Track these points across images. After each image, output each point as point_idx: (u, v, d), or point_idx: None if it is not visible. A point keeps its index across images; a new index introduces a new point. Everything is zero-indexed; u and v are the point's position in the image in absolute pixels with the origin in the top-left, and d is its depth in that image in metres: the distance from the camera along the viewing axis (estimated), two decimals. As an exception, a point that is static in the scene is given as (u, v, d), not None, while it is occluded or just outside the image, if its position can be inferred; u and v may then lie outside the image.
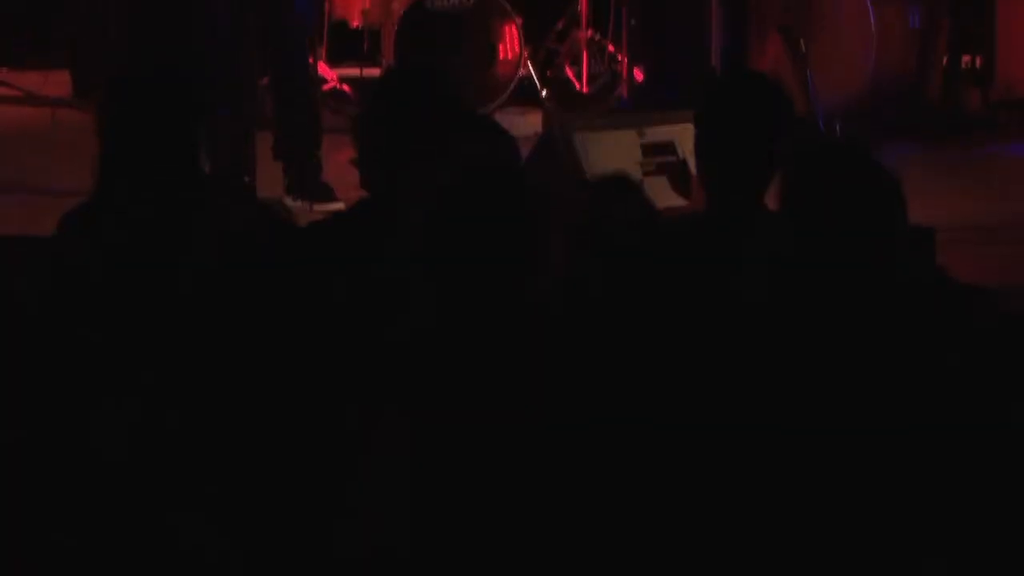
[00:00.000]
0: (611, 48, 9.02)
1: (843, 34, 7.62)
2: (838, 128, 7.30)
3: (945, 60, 8.31)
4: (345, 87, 8.86)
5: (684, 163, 5.52)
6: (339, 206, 6.36)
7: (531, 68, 8.66)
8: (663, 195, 5.58)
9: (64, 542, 3.17)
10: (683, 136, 5.40)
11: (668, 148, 5.61)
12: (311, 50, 8.53)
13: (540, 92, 8.69)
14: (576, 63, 8.99)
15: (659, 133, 5.65)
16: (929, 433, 2.88)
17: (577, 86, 8.97)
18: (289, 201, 6.52)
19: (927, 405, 2.90)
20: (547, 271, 2.94)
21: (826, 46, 7.57)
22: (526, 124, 7.93)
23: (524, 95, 8.65)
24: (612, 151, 5.59)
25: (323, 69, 8.90)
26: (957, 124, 8.07)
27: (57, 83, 9.07)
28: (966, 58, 8.52)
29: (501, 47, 8.50)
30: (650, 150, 5.63)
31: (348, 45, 9.26)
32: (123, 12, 9.16)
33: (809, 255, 3.01)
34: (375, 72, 8.68)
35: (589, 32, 8.96)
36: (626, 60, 8.17)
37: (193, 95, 3.63)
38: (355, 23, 9.00)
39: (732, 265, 3.35)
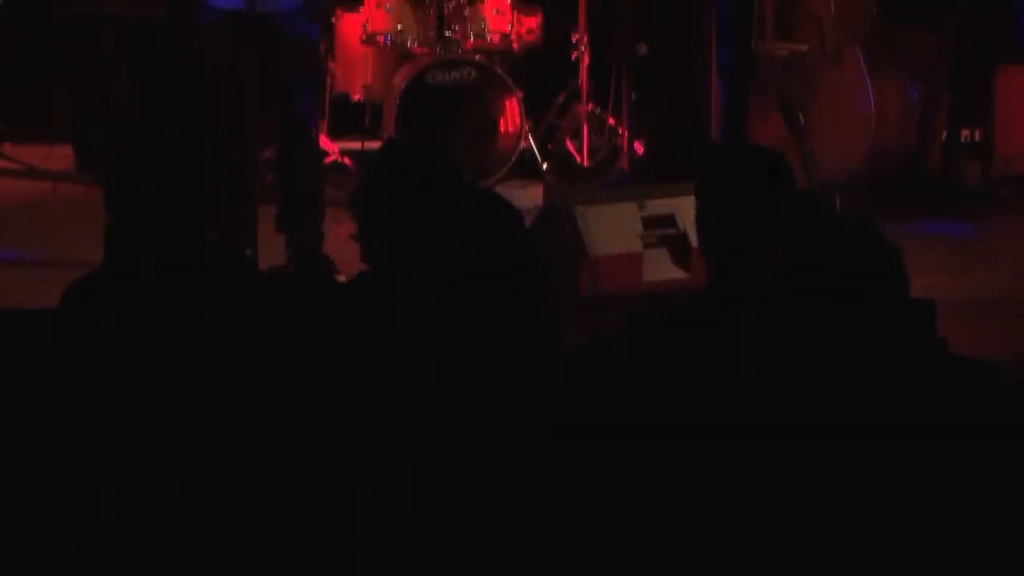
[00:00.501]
0: (612, 122, 9.06)
1: (843, 108, 7.65)
2: (838, 201, 7.31)
3: (944, 134, 8.34)
4: (346, 160, 8.89)
5: (685, 236, 5.53)
6: (340, 279, 6.38)
7: (532, 141, 8.70)
8: (664, 267, 5.60)
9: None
10: (684, 209, 5.41)
11: (669, 221, 5.63)
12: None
13: (541, 165, 8.72)
14: (577, 137, 9.03)
15: (660, 206, 5.66)
16: (931, 504, 2.88)
17: (578, 159, 9.00)
18: (291, 273, 6.54)
19: (928, 477, 2.89)
20: (548, 344, 2.94)
21: (826, 119, 7.59)
22: (527, 197, 7.96)
23: (525, 168, 8.68)
24: (613, 224, 5.60)
25: (324, 142, 8.93)
26: (957, 198, 8.08)
27: (59, 157, 9.10)
28: (965, 132, 8.54)
29: (502, 121, 8.54)
30: (651, 223, 5.65)
31: (350, 119, 9.30)
32: (127, 88, 9.21)
33: (810, 327, 3.00)
34: (376, 146, 8.71)
35: (590, 106, 9.00)
36: (627, 133, 8.20)
37: (197, 168, 3.65)
38: (357, 97, 9.05)
39: (734, 340, 3.35)
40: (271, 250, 6.47)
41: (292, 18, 6.49)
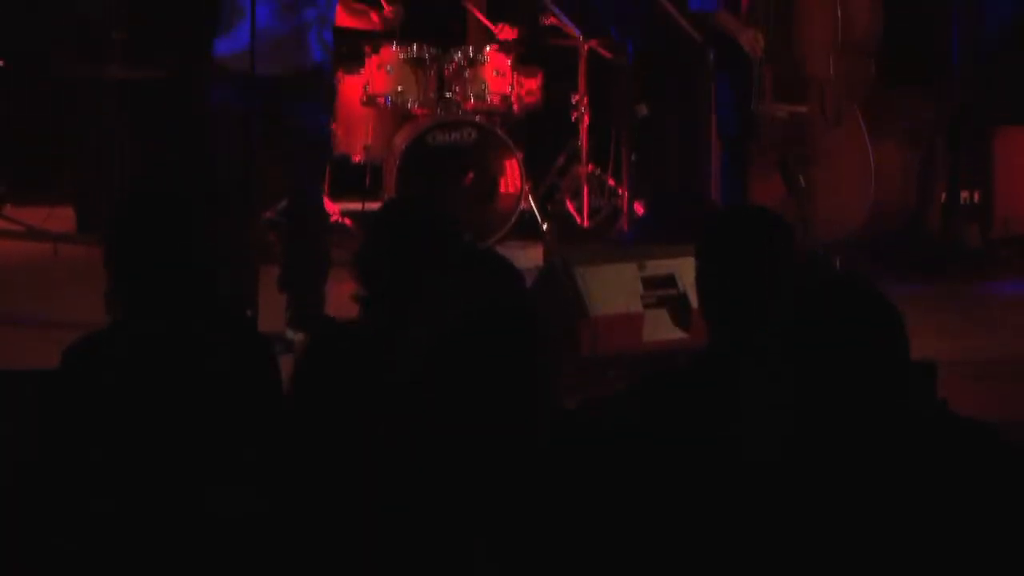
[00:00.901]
0: (611, 182, 9.09)
1: (843, 169, 7.67)
2: (839, 262, 7.32)
3: (944, 196, 8.35)
4: (347, 221, 8.91)
5: (685, 296, 5.53)
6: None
7: (532, 202, 8.72)
8: (664, 328, 5.60)
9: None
10: (684, 269, 5.42)
11: (669, 281, 5.63)
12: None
13: (541, 226, 8.74)
14: (577, 197, 9.05)
15: (660, 266, 5.67)
16: (931, 565, 2.87)
17: (578, 220, 9.02)
18: (290, 333, 6.53)
19: (929, 538, 2.88)
20: (548, 403, 2.94)
21: (826, 181, 7.60)
22: (527, 257, 7.97)
23: (525, 228, 8.70)
24: (613, 284, 5.60)
25: (325, 203, 8.95)
26: (956, 259, 8.09)
27: (60, 218, 9.12)
28: (964, 193, 8.56)
29: (502, 181, 8.56)
30: (651, 283, 5.65)
31: (350, 180, 9.33)
32: (129, 149, 9.24)
33: (810, 387, 3.00)
34: (377, 207, 8.73)
35: (590, 167, 9.03)
36: (626, 194, 8.22)
37: (198, 229, 3.65)
38: (357, 158, 9.08)
39: (734, 400, 3.35)
40: (272, 310, 6.47)
41: (301, 79, 6.51)
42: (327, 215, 7.73)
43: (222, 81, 6.52)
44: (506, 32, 9.02)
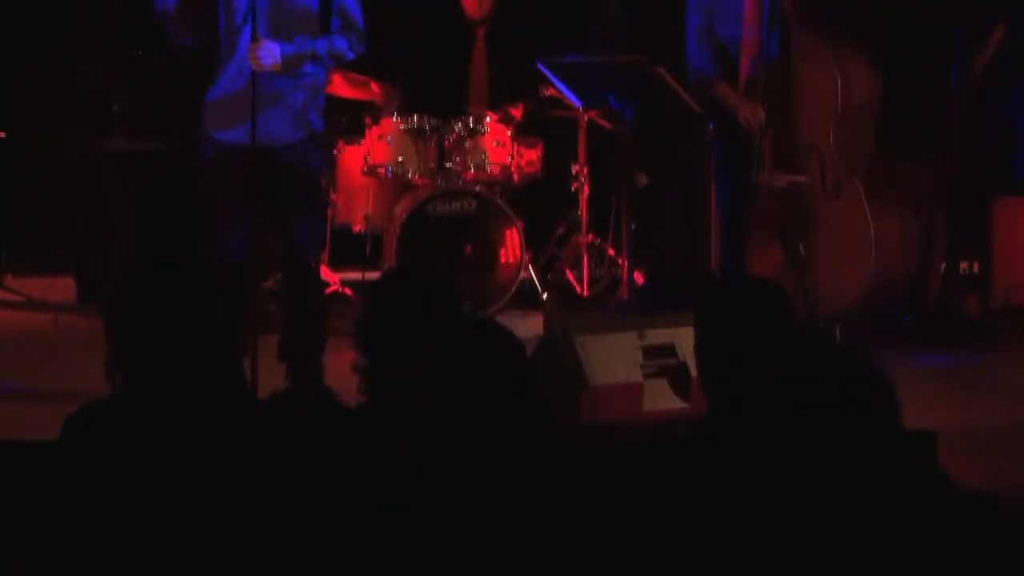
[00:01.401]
0: (611, 252, 9.10)
1: (843, 239, 7.67)
2: (839, 332, 7.31)
3: (943, 266, 8.36)
4: (347, 291, 8.92)
5: (685, 365, 5.53)
6: (339, 409, 6.37)
7: (532, 272, 8.73)
8: (664, 397, 5.59)
9: None
10: (684, 339, 5.41)
11: (669, 351, 5.63)
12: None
13: (541, 295, 8.75)
14: (577, 267, 9.06)
15: (660, 336, 5.66)
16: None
17: (578, 289, 9.03)
18: (290, 403, 6.52)
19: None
20: (548, 473, 2.93)
21: (826, 251, 7.61)
22: (527, 327, 7.97)
23: (525, 298, 8.71)
24: (613, 353, 5.60)
25: (325, 273, 8.97)
26: (957, 329, 8.09)
27: (61, 289, 9.14)
28: (964, 264, 8.57)
29: (502, 251, 8.58)
30: (651, 352, 5.65)
31: (351, 249, 9.34)
32: (129, 221, 9.27)
33: (809, 458, 3.00)
34: (377, 276, 8.74)
35: (590, 237, 9.05)
36: (626, 264, 8.24)
37: (197, 299, 3.65)
38: (358, 228, 9.10)
39: (734, 470, 3.34)
40: (271, 380, 6.47)
41: (296, 149, 6.55)
42: (324, 285, 7.75)
43: (215, 151, 6.54)
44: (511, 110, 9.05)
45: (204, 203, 6.58)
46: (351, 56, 6.72)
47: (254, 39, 6.34)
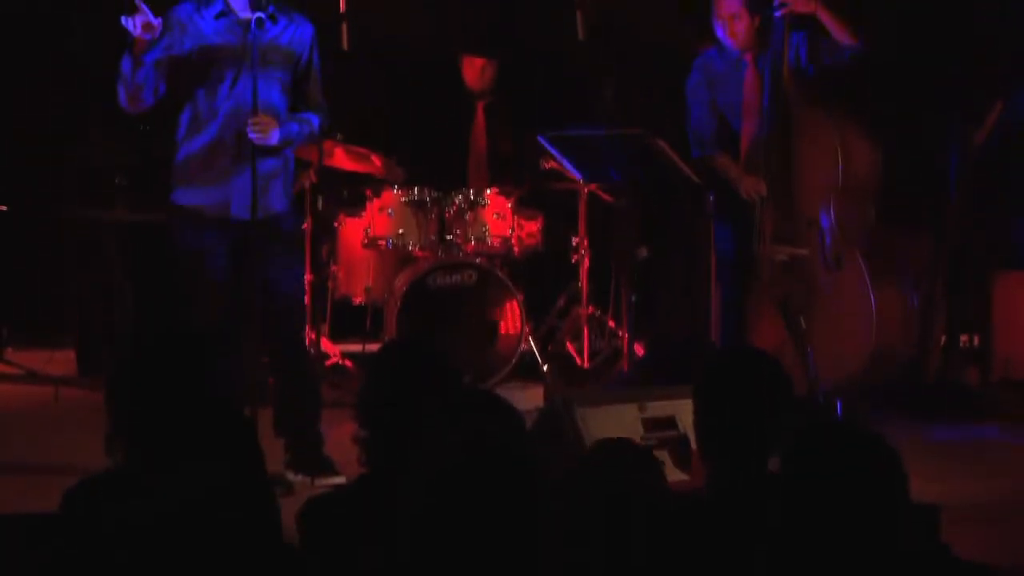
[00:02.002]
0: (612, 324, 9.11)
1: (843, 312, 7.67)
2: (838, 405, 7.30)
3: (944, 339, 8.36)
4: (347, 363, 8.91)
5: (685, 438, 5.52)
6: (340, 479, 6.36)
7: (532, 343, 8.73)
8: (665, 470, 5.57)
9: None
10: (684, 411, 5.39)
11: (669, 423, 5.61)
12: (314, 327, 8.63)
13: (542, 367, 8.74)
14: (577, 339, 9.07)
15: (660, 408, 5.65)
16: None
17: (578, 361, 9.03)
18: (290, 476, 6.51)
19: None
20: (548, 545, 2.92)
21: (826, 324, 7.61)
22: (528, 399, 7.97)
23: (526, 370, 8.71)
24: (613, 426, 5.58)
25: (326, 345, 8.97)
26: (957, 402, 8.08)
27: (61, 362, 9.14)
28: (964, 337, 8.58)
29: (503, 323, 8.58)
30: (651, 425, 5.63)
31: (351, 321, 9.35)
32: (130, 292, 9.28)
33: (811, 531, 2.99)
34: (377, 348, 8.74)
35: (590, 309, 9.06)
36: (627, 336, 8.24)
37: (197, 372, 3.65)
38: (358, 300, 9.11)
39: (734, 543, 3.33)
40: (270, 454, 6.44)
41: (278, 220, 6.53)
42: (312, 354, 7.74)
43: (194, 226, 6.52)
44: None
45: (186, 278, 6.55)
46: (318, 134, 6.77)
47: (254, 113, 6.36)
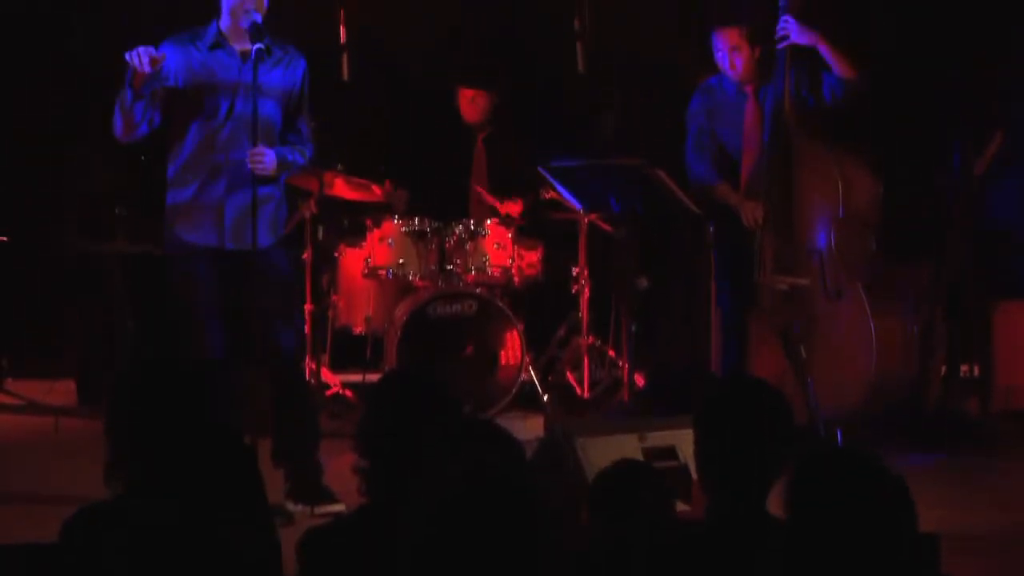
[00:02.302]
0: (612, 354, 9.11)
1: (844, 342, 7.67)
2: (840, 434, 7.30)
3: (944, 369, 8.36)
4: (347, 393, 8.91)
5: (686, 468, 5.51)
6: (340, 508, 6.35)
7: (533, 373, 8.72)
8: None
9: None
10: (684, 441, 5.39)
11: (670, 453, 5.61)
12: (314, 357, 8.63)
13: (542, 397, 8.74)
14: (577, 369, 9.07)
15: (660, 438, 5.65)
16: None
17: (579, 391, 9.03)
18: (290, 506, 6.50)
19: None
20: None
21: (827, 353, 7.61)
22: (528, 429, 7.97)
23: (526, 400, 8.70)
24: (614, 456, 5.55)
25: (326, 375, 8.97)
26: (957, 432, 8.07)
27: (62, 392, 9.13)
28: (965, 367, 8.58)
29: (503, 353, 8.58)
30: (651, 455, 5.62)
31: (352, 351, 9.35)
32: (130, 321, 9.28)
33: (813, 562, 2.98)
34: (378, 378, 8.73)
35: (590, 339, 9.06)
36: (627, 366, 8.24)
37: (197, 401, 3.65)
38: (359, 330, 9.11)
39: (735, 573, 3.33)
40: (270, 483, 6.44)
41: (268, 254, 6.52)
42: (310, 384, 7.73)
43: (188, 256, 6.52)
44: (509, 206, 9.10)
45: (180, 309, 6.55)
46: (304, 165, 6.77)
47: (253, 144, 6.36)
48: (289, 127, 6.62)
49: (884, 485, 3.01)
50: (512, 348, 8.59)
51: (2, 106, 10.03)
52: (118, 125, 6.37)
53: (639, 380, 8.63)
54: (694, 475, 3.91)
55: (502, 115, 9.45)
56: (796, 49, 7.70)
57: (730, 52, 7.83)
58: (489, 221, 8.86)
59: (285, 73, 6.57)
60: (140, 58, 6.08)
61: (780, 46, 7.69)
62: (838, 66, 7.64)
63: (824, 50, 7.65)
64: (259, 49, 6.34)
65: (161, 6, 8.63)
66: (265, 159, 6.37)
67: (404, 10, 10.02)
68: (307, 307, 8.82)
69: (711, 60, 7.96)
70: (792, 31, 7.66)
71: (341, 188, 9.04)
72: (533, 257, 9.02)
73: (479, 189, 9.29)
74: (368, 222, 8.90)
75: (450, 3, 10.13)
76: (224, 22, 6.49)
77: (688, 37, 8.90)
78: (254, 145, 6.36)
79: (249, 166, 6.34)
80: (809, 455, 3.16)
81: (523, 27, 10.11)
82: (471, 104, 9.37)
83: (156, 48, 6.22)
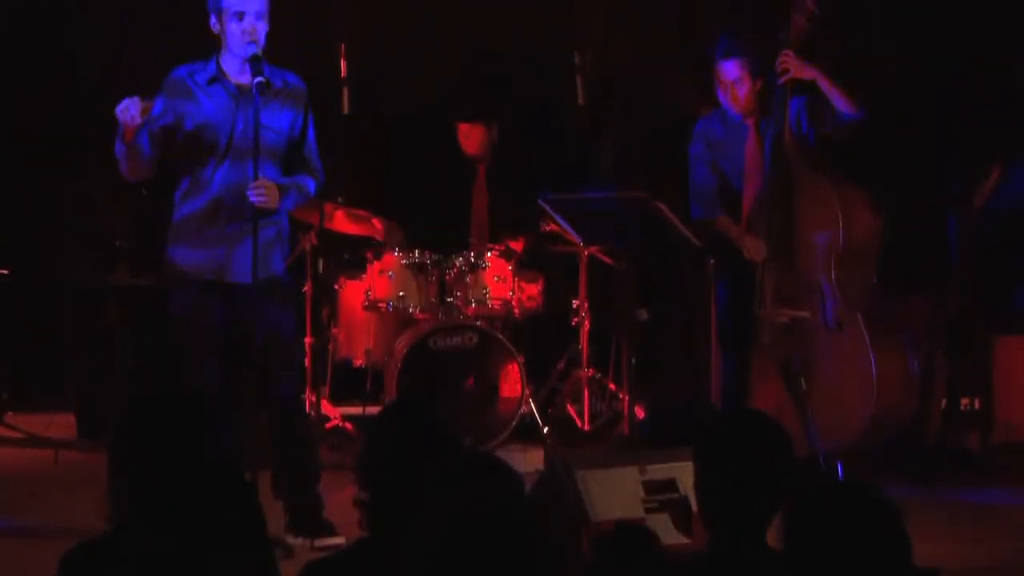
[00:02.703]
0: (612, 386, 9.10)
1: (844, 375, 7.66)
2: (839, 467, 7.29)
3: (944, 402, 8.35)
4: (347, 425, 8.90)
5: (686, 500, 5.50)
6: (339, 541, 6.34)
7: (533, 406, 8.72)
8: (665, 533, 5.55)
9: None
10: (685, 473, 5.38)
11: (670, 486, 5.60)
12: (314, 389, 8.63)
13: (542, 429, 8.73)
14: (578, 401, 9.06)
15: (661, 471, 5.63)
16: None
17: (579, 424, 9.02)
18: (290, 539, 6.49)
19: None
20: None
21: (828, 386, 7.60)
22: (528, 461, 7.95)
23: (526, 432, 8.69)
24: (614, 489, 5.57)
25: (326, 407, 8.96)
26: (957, 465, 8.06)
27: (62, 426, 9.13)
28: (965, 400, 8.57)
29: (503, 385, 8.58)
30: (652, 487, 5.62)
31: (352, 384, 9.34)
32: (131, 354, 9.28)
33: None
34: (378, 411, 8.73)
35: (590, 371, 9.05)
36: (627, 398, 8.24)
37: (198, 435, 3.65)
38: (359, 362, 9.11)
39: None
40: (270, 516, 6.42)
41: (268, 286, 6.50)
42: (320, 417, 7.73)
43: (189, 287, 6.52)
44: (511, 244, 9.10)
45: (176, 332, 6.54)
46: (314, 194, 6.78)
47: (255, 177, 6.36)
48: (294, 157, 6.62)
49: (881, 517, 3.01)
50: (512, 381, 8.59)
51: (3, 140, 10.05)
52: (122, 167, 6.40)
53: (639, 413, 8.63)
54: (695, 508, 3.90)
55: (503, 147, 9.46)
56: (796, 83, 7.72)
57: (731, 85, 7.84)
58: (489, 254, 8.87)
59: (285, 104, 6.57)
60: (128, 112, 6.09)
61: (780, 80, 7.71)
62: (838, 101, 7.65)
63: (824, 85, 7.66)
64: (259, 83, 6.34)
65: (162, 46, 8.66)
66: (266, 192, 6.36)
67: (404, 43, 10.05)
68: (307, 340, 8.82)
69: (710, 93, 7.97)
70: (792, 65, 7.68)
71: (341, 221, 9.04)
72: (533, 289, 9.02)
73: (477, 234, 9.30)
74: (368, 255, 8.90)
75: (450, 36, 10.15)
76: (223, 56, 6.50)
77: (687, 70, 8.92)
78: (255, 178, 6.35)
79: (252, 199, 6.34)
80: (806, 488, 3.16)
81: (523, 60, 10.12)
82: (467, 138, 9.39)
83: (152, 96, 6.23)
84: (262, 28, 6.43)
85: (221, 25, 6.45)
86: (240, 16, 6.40)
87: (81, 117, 9.36)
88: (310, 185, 6.64)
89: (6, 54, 9.97)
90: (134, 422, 3.62)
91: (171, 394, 3.72)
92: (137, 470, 3.55)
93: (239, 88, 6.46)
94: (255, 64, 6.38)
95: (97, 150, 9.51)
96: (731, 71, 7.86)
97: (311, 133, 6.67)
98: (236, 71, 6.48)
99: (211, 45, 6.54)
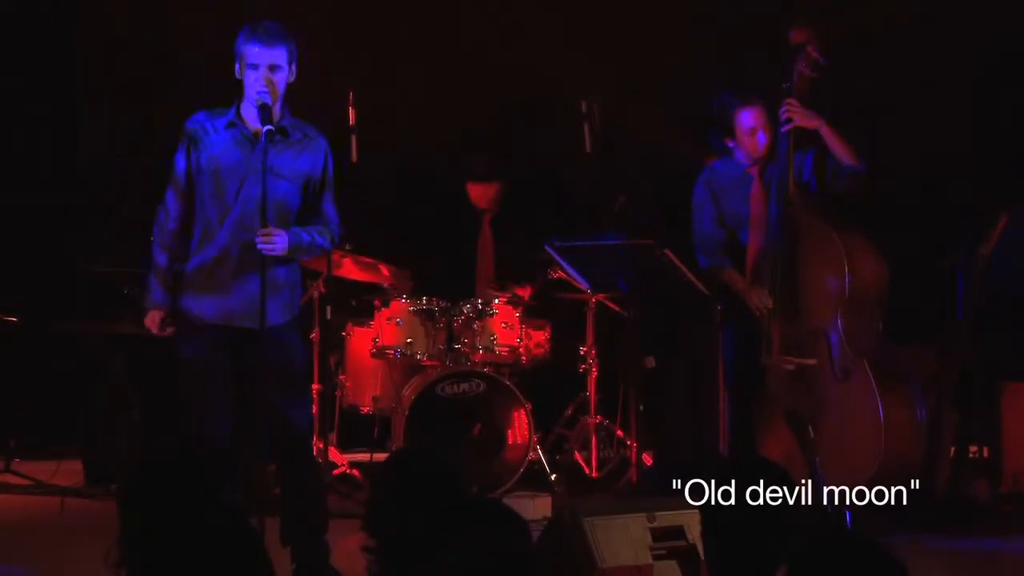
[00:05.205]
0: (620, 433, 9.10)
1: (852, 423, 7.65)
2: (848, 516, 7.27)
3: (953, 451, 8.34)
4: (355, 472, 8.89)
5: (694, 548, 5.49)
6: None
7: (540, 453, 8.71)
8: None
9: None
10: (693, 521, 5.38)
11: (678, 533, 5.59)
12: (322, 436, 8.62)
13: (550, 477, 8.72)
14: (585, 448, 9.06)
15: (669, 518, 5.63)
16: None
17: (587, 471, 9.02)
18: (298, 586, 6.48)
19: None
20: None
21: (835, 434, 7.59)
22: (536, 508, 7.94)
23: (534, 479, 8.69)
24: (622, 536, 5.57)
25: (334, 454, 8.96)
26: (966, 514, 8.04)
27: (68, 472, 9.13)
28: (973, 449, 8.55)
29: (511, 432, 8.57)
30: (660, 535, 5.61)
31: (359, 431, 9.35)
32: (136, 402, 9.29)
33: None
34: (385, 458, 8.73)
35: (598, 418, 9.05)
36: (635, 445, 8.24)
37: (205, 484, 3.66)
38: (366, 409, 9.11)
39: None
40: (278, 563, 6.41)
41: (278, 332, 6.51)
42: (318, 463, 7.71)
43: (197, 333, 6.53)
44: (518, 291, 9.12)
45: (184, 379, 6.55)
46: (330, 248, 6.82)
47: (263, 224, 6.37)
48: (310, 209, 6.62)
49: (885, 569, 3.01)
50: (520, 428, 8.58)
51: (9, 189, 10.09)
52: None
53: (647, 460, 8.62)
54: (702, 555, 3.90)
55: (508, 196, 9.49)
56: (800, 132, 7.74)
57: (751, 133, 7.86)
58: (497, 301, 8.88)
59: (302, 155, 6.57)
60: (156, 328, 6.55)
61: (784, 129, 7.73)
62: (840, 151, 7.67)
63: (827, 135, 7.69)
64: (268, 131, 6.37)
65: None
66: (275, 239, 6.37)
67: (413, 93, 10.09)
68: (315, 387, 8.82)
69: (714, 142, 8.00)
70: (796, 114, 7.70)
71: (349, 268, 9.06)
72: (541, 337, 9.03)
73: (483, 282, 9.33)
74: (376, 302, 8.92)
75: (458, 85, 10.18)
76: (243, 103, 6.54)
77: (688, 119, 8.95)
78: (263, 225, 6.36)
79: (259, 246, 6.35)
80: (812, 538, 3.16)
81: (529, 109, 10.15)
82: (478, 195, 9.42)
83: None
84: (280, 79, 6.47)
85: (241, 73, 6.50)
86: (255, 67, 6.45)
87: (88, 175, 9.42)
88: (324, 239, 6.62)
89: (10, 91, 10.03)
90: (143, 484, 3.63)
91: (180, 455, 3.72)
92: (146, 528, 3.55)
93: (253, 135, 6.49)
94: (264, 112, 6.40)
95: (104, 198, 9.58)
96: (749, 120, 7.88)
97: (329, 188, 6.67)
98: (253, 118, 6.51)
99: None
